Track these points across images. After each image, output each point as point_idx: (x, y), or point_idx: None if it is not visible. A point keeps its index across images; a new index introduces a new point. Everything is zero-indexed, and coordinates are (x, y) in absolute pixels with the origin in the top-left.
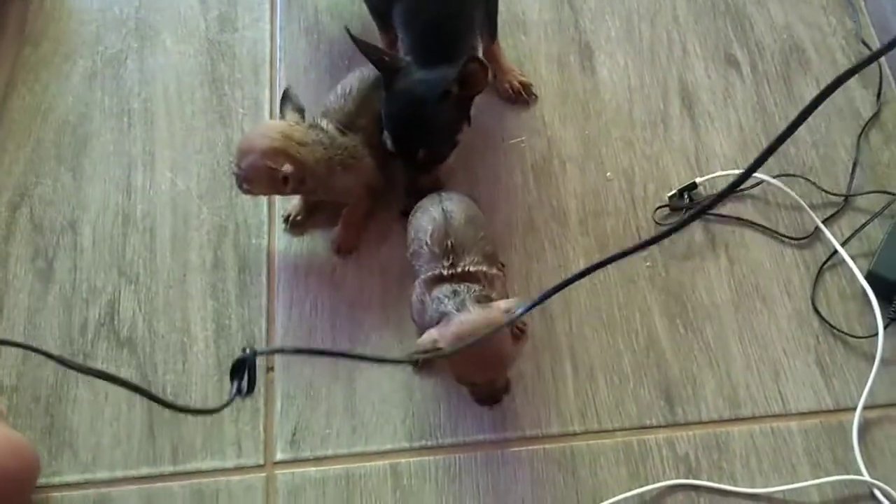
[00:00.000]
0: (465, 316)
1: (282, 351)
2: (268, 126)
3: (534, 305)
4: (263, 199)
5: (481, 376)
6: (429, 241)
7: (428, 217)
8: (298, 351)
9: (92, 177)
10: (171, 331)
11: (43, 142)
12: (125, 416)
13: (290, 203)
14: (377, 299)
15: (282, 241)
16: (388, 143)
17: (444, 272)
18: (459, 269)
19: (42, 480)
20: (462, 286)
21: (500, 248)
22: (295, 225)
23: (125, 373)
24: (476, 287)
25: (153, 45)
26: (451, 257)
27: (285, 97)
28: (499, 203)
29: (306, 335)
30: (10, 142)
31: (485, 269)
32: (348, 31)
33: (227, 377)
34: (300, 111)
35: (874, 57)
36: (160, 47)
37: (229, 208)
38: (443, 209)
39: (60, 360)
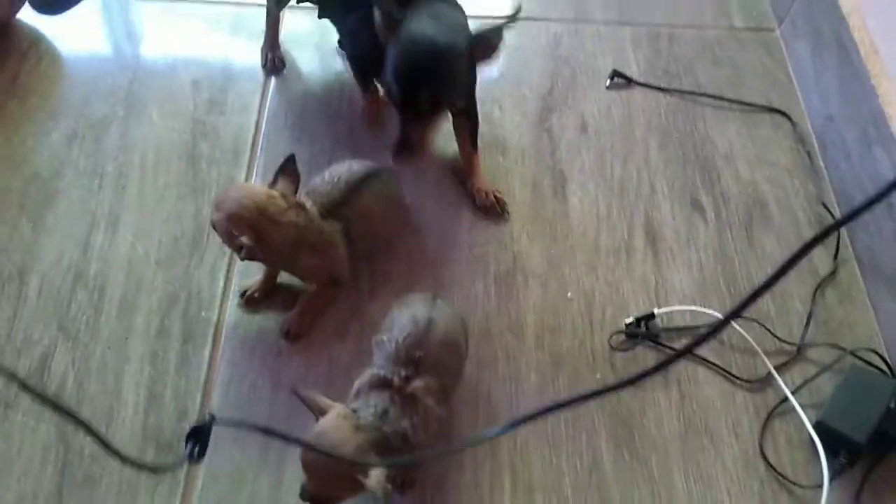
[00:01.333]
0: (326, 423)
1: (241, 425)
2: (248, 192)
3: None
4: (220, 274)
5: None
6: (399, 342)
7: (410, 317)
8: (260, 429)
9: (52, 230)
10: (102, 392)
11: (10, 190)
12: (35, 473)
13: (251, 279)
14: (320, 391)
15: (232, 316)
16: (394, 88)
17: (394, 382)
18: (408, 390)
19: None
20: (395, 410)
21: None
22: (250, 301)
23: (44, 429)
24: (407, 422)
25: (139, 115)
26: (409, 370)
27: (286, 163)
28: (459, 307)
29: (242, 414)
30: None
31: (432, 402)
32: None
33: (149, 448)
34: (295, 183)
35: (839, 224)
36: (146, 119)
37: (185, 278)
38: (429, 318)
39: (22, 383)
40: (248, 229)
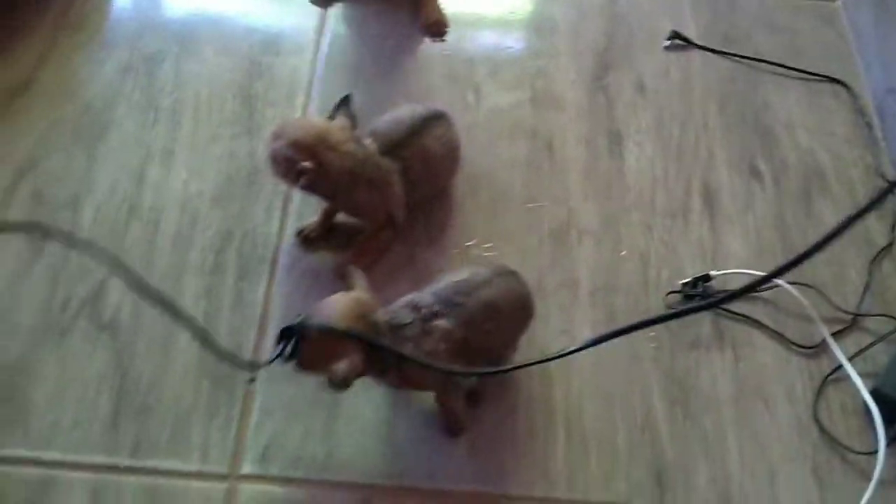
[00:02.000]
0: (340, 297)
1: (332, 331)
2: (308, 121)
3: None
4: (276, 213)
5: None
6: (450, 282)
7: (474, 271)
8: (348, 333)
9: (105, 161)
10: (157, 324)
11: (63, 120)
12: (91, 399)
13: (308, 220)
14: None
15: (287, 255)
16: None
17: (422, 311)
18: (430, 324)
19: None
20: (409, 331)
21: None
22: (306, 241)
23: (100, 356)
24: (410, 347)
25: (193, 52)
26: (442, 308)
27: (343, 101)
28: (511, 261)
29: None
30: (30, 113)
31: (443, 346)
32: None
33: (204, 381)
34: (353, 122)
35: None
36: (199, 56)
37: (239, 216)
38: (488, 279)
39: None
40: (309, 155)
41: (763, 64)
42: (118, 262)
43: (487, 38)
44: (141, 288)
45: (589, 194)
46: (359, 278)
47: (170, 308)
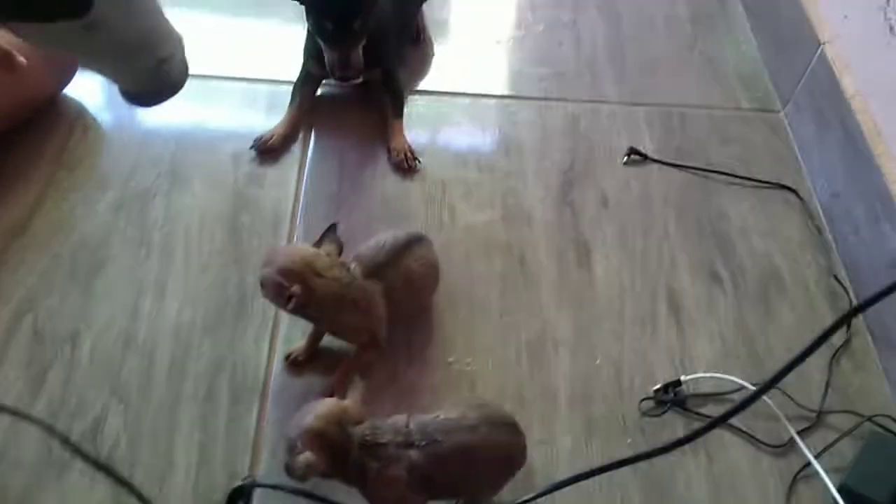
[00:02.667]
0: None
1: (281, 488)
2: (296, 248)
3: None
4: (265, 339)
5: None
6: (430, 420)
7: (463, 413)
8: (301, 492)
9: (101, 297)
10: (154, 456)
11: (60, 257)
12: None
13: (295, 344)
14: None
15: (278, 380)
16: (327, 25)
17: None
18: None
19: None
20: None
21: None
22: (295, 364)
23: (99, 491)
24: None
25: (183, 187)
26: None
27: (330, 230)
28: (491, 374)
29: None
30: (29, 253)
31: (403, 475)
32: None
33: None
34: (339, 248)
35: (860, 308)
36: (189, 190)
37: (230, 344)
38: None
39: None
40: (297, 280)
41: (715, 174)
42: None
43: (460, 161)
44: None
45: (562, 305)
46: (355, 391)
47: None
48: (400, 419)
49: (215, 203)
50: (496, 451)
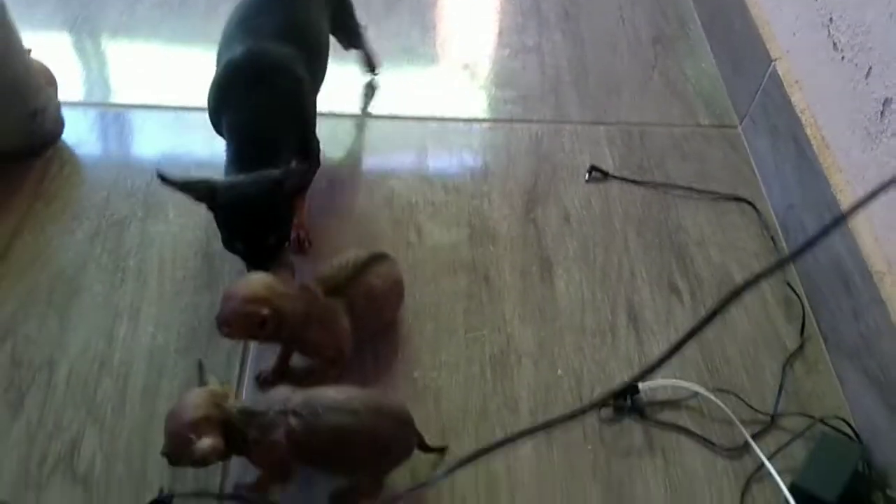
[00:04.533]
0: (198, 391)
1: (200, 494)
2: (250, 278)
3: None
4: (236, 359)
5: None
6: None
7: (350, 397)
8: (219, 495)
9: (77, 323)
10: (129, 474)
11: (37, 287)
12: None
13: (262, 365)
14: None
15: (248, 398)
16: (238, 245)
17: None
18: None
19: None
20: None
21: (454, 431)
22: (265, 384)
23: None
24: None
25: (157, 215)
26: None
27: (282, 255)
28: (457, 388)
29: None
30: (6, 281)
31: (282, 441)
32: (160, 175)
33: None
34: (291, 270)
35: (783, 262)
36: (162, 218)
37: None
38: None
39: None
40: (264, 303)
41: (674, 189)
42: None
43: (427, 182)
44: None
45: (525, 319)
46: (209, 374)
47: None
48: (284, 390)
49: (188, 230)
50: (372, 438)
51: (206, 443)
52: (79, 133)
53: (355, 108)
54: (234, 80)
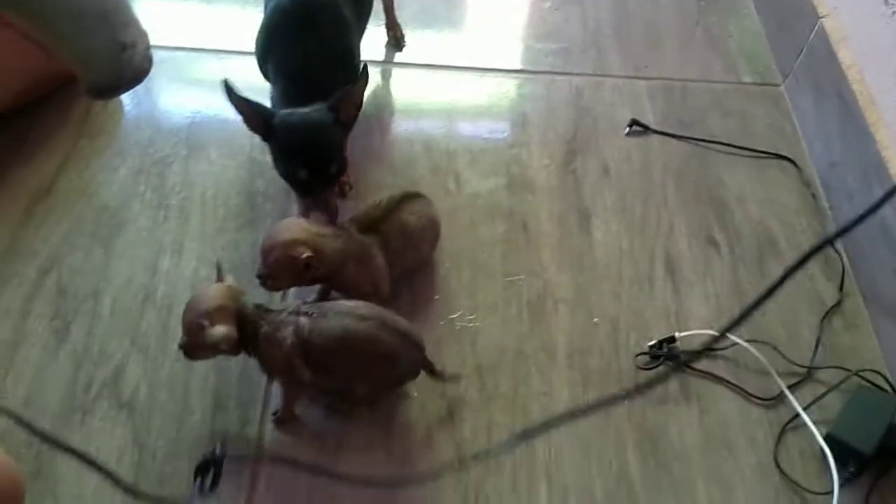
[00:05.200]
0: (216, 285)
1: (249, 456)
2: (286, 223)
3: None
4: (277, 293)
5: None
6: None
7: (370, 308)
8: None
9: (121, 256)
10: (171, 400)
11: (82, 220)
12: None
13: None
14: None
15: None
16: (301, 173)
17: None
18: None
19: None
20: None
21: (490, 371)
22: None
23: (120, 433)
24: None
25: (199, 154)
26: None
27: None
28: (494, 330)
29: (297, 425)
30: (53, 215)
31: (289, 339)
32: (227, 86)
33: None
34: (335, 212)
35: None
36: (205, 158)
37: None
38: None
39: (42, 435)
40: (305, 246)
41: (715, 144)
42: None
43: (466, 131)
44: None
45: (562, 267)
46: (227, 275)
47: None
48: (302, 301)
49: (230, 169)
50: (375, 347)
51: (219, 329)
52: None
53: (395, 57)
54: (282, 24)
